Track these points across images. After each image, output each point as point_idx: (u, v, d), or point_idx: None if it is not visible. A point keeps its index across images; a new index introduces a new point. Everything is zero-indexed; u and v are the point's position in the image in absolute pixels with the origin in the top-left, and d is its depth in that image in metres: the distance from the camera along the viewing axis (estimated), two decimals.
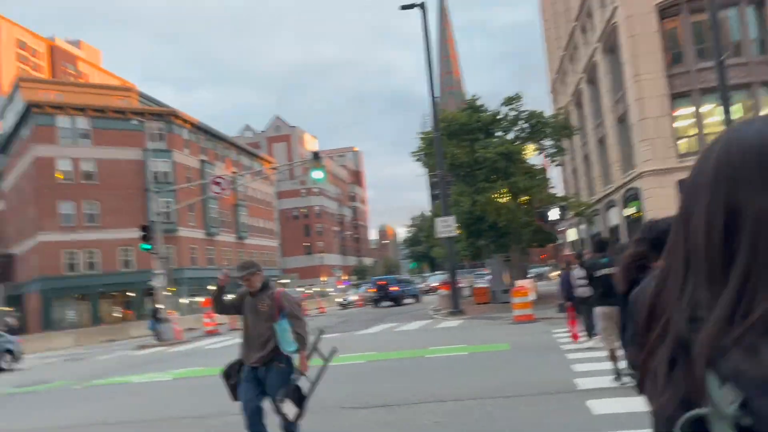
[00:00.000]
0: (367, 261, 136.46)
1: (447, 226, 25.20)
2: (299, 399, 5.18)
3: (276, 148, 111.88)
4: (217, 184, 25.08)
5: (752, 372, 0.60)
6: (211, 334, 26.85)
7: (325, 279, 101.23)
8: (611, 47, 28.68)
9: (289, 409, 5.09)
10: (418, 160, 28.19)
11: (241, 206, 69.54)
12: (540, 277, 48.10)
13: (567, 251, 39.90)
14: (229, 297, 5.69)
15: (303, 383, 5.34)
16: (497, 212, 25.54)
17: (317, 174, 25.50)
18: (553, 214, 20.03)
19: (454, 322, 21.42)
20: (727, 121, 17.20)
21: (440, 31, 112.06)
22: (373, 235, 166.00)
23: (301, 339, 5.34)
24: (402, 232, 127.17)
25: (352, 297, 44.90)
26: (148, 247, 23.68)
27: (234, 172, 67.40)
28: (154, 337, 24.74)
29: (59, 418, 9.82)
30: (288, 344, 5.27)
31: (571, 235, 44.36)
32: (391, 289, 37.40)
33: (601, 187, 33.50)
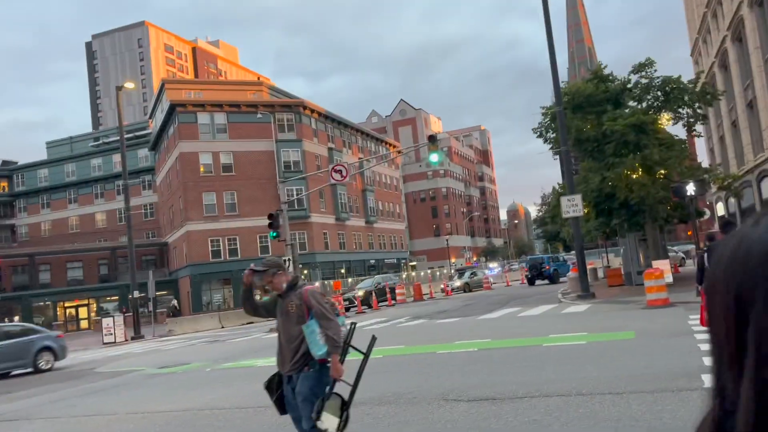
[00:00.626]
0: (497, 241, 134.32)
1: (573, 206, 23.91)
2: (340, 407, 4.79)
3: (402, 131, 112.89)
4: (338, 171, 25.62)
5: None
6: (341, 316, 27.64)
7: (454, 260, 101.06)
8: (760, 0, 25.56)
9: (330, 422, 4.70)
10: (539, 136, 26.94)
11: (369, 191, 70.98)
12: (687, 255, 44.63)
13: (711, 228, 36.56)
14: (261, 297, 5.31)
15: (342, 388, 4.92)
16: (629, 188, 23.79)
17: (434, 157, 25.21)
18: (690, 189, 18.18)
19: (581, 307, 20.34)
20: None
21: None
22: (503, 215, 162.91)
23: (331, 341, 4.84)
24: (533, 212, 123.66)
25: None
26: (274, 234, 24.76)
27: (360, 158, 69.13)
28: None
29: (180, 400, 10.49)
30: (317, 347, 4.81)
31: (720, 209, 40.54)
32: (545, 267, 39.54)
33: (752, 156, 30.14)
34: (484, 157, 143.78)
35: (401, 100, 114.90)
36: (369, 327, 21.14)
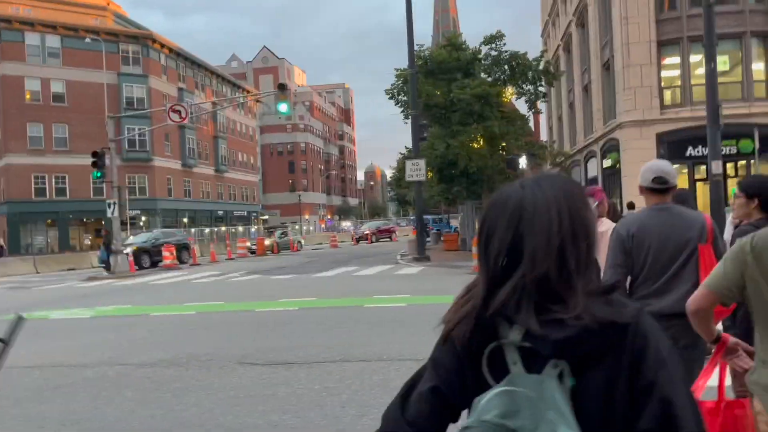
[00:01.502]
0: (353, 201, 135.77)
1: (417, 170, 24.18)
2: None
3: (263, 80, 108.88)
4: (176, 112, 23.74)
5: (520, 319, 1.12)
6: (168, 268, 26.12)
7: (308, 217, 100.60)
8: None
9: None
10: (391, 98, 26.86)
11: (221, 138, 67.90)
12: None
13: None
14: None
15: None
16: (469, 158, 24.51)
17: (282, 107, 24.21)
18: (523, 162, 19.00)
19: (414, 269, 20.74)
20: (710, 72, 16.10)
21: None
22: (360, 176, 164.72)
23: None
24: (390, 174, 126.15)
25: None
26: (99, 174, 22.56)
27: (214, 102, 65.32)
28: (105, 268, 23.95)
29: None
30: None
31: None
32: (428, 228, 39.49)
33: (583, 138, 32.44)
34: (346, 115, 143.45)
35: (264, 46, 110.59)
36: (200, 281, 20.05)
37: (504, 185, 1.25)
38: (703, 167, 23.56)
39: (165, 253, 26.77)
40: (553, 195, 1.16)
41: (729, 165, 23.06)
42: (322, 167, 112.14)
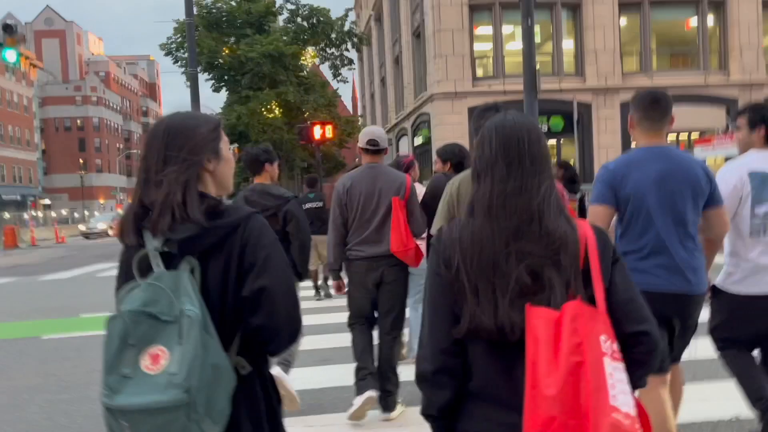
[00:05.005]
0: None
1: None
2: None
3: (46, 44, 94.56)
4: None
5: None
6: None
7: (103, 202, 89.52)
8: None
9: None
10: (167, 53, 21.91)
11: None
12: None
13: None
14: None
15: None
16: (263, 129, 20.58)
17: (9, 55, 18.18)
18: (318, 132, 15.59)
19: None
20: (527, 29, 13.66)
21: None
22: None
23: None
24: None
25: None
26: None
27: None
28: None
29: None
30: None
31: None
32: None
33: (395, 115, 30.01)
34: (152, 90, 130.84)
35: (47, 6, 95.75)
36: None
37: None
38: None
39: None
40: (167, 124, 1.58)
41: None
42: (121, 146, 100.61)
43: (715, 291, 3.17)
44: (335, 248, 4.14)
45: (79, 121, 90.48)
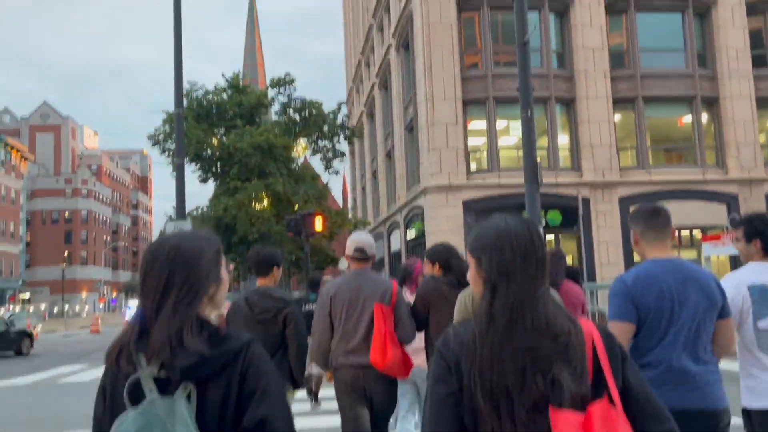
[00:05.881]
0: None
1: None
2: None
3: (40, 138, 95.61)
4: None
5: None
6: None
7: (86, 295, 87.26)
8: (405, 42, 24.74)
9: None
10: (155, 144, 21.38)
11: None
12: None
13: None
14: None
15: None
16: (250, 222, 19.71)
17: None
18: (315, 225, 14.70)
19: None
20: (526, 120, 13.19)
21: (248, 31, 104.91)
22: None
23: None
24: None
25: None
26: None
27: None
28: None
29: None
30: None
31: None
32: None
33: (386, 208, 29.43)
34: (143, 183, 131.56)
35: (44, 102, 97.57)
36: None
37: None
38: None
39: None
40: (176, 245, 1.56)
41: None
42: (108, 238, 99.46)
43: (745, 413, 3.06)
44: (319, 351, 4.08)
45: (67, 213, 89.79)
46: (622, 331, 2.61)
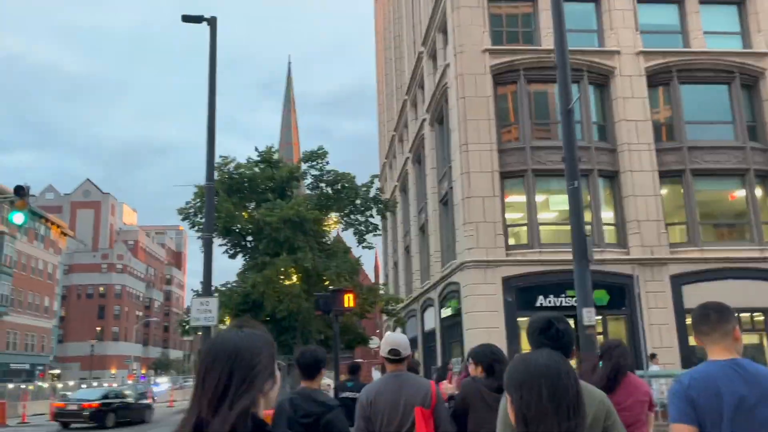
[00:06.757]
0: (176, 353, 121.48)
1: (206, 311, 17.88)
2: None
3: (81, 214, 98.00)
4: None
5: None
6: None
7: (115, 372, 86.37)
8: (440, 116, 24.42)
9: None
10: (184, 218, 20.99)
11: (5, 274, 56.28)
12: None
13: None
14: None
15: None
16: (279, 298, 18.85)
17: (17, 218, 17.22)
18: (346, 302, 13.82)
19: None
20: (573, 192, 12.31)
21: (284, 112, 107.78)
22: None
23: None
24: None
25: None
26: None
27: (1, 232, 55.16)
28: None
29: None
30: None
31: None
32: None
33: (420, 284, 28.33)
34: (177, 259, 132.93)
35: (87, 179, 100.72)
36: None
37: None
38: None
39: None
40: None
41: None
42: (141, 313, 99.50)
43: None
44: None
45: (101, 289, 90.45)
46: None
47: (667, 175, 20.86)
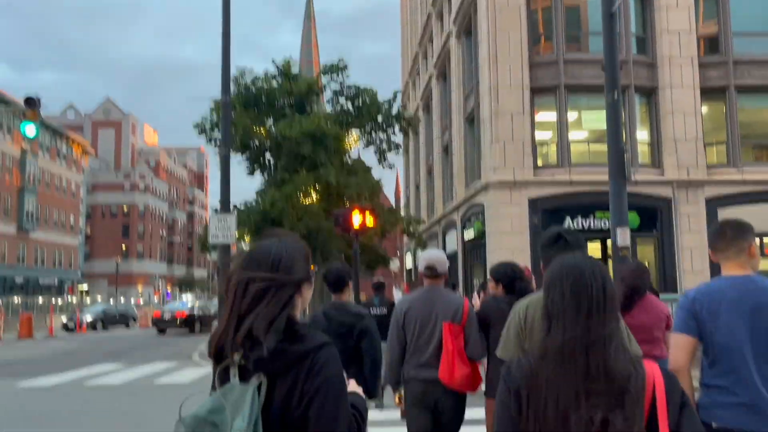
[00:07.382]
0: (200, 272, 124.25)
1: (224, 229, 17.56)
2: None
3: (102, 134, 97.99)
4: None
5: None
6: None
7: (141, 289, 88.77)
8: (468, 28, 23.03)
9: None
10: (201, 132, 20.36)
11: (29, 191, 56.87)
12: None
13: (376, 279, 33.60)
14: None
15: None
16: (298, 216, 18.42)
17: (29, 129, 16.75)
18: (357, 220, 13.33)
19: (196, 373, 13.85)
20: (613, 104, 11.37)
21: (304, 30, 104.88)
22: None
23: None
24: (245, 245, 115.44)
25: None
26: None
27: (24, 149, 55.27)
28: None
29: None
30: None
31: (409, 261, 38.55)
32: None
33: (442, 206, 27.75)
34: (199, 180, 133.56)
35: (107, 98, 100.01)
36: None
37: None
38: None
39: None
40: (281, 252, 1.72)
41: (609, 241, 18.86)
42: (165, 233, 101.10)
43: None
44: (392, 368, 4.23)
45: (125, 207, 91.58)
46: (682, 344, 2.65)
47: (708, 92, 19.58)
